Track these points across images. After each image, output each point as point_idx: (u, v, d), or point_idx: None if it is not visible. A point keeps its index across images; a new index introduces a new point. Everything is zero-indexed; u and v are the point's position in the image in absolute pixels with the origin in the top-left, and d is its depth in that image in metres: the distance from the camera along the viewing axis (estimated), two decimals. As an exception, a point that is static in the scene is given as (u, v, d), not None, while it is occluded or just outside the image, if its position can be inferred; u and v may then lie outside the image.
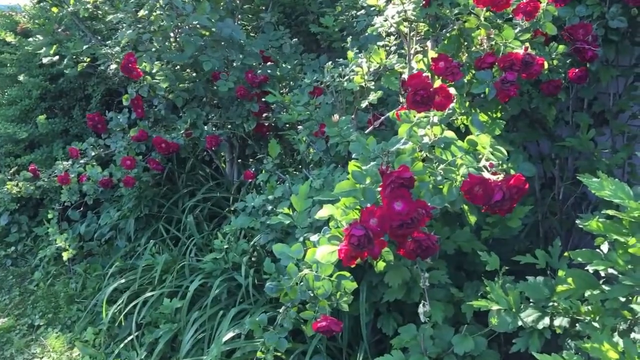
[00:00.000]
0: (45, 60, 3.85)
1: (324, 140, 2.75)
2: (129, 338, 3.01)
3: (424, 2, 2.22)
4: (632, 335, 1.57)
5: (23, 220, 4.46)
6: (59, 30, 3.86)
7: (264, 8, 3.85)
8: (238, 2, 3.67)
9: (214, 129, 3.56)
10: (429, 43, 2.43)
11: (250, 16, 3.94)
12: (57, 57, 3.83)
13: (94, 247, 3.96)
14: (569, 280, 1.74)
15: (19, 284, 4.00)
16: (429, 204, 1.81)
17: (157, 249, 3.50)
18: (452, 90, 2.01)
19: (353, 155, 1.97)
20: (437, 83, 1.99)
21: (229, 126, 3.58)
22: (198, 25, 3.24)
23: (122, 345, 3.01)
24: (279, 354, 2.18)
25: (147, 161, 3.66)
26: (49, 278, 3.93)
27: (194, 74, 3.51)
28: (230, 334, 2.54)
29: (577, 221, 1.71)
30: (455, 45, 2.29)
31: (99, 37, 3.91)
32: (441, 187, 1.88)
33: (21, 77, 4.37)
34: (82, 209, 4.01)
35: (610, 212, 1.54)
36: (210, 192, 3.77)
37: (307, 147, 2.85)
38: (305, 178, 2.71)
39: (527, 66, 2.08)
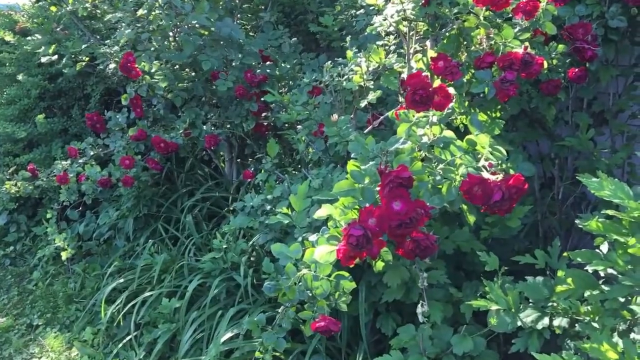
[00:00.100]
0: (44, 60, 3.84)
1: (323, 140, 2.74)
2: (128, 338, 3.01)
3: (423, 1, 2.22)
4: (632, 335, 1.56)
5: (22, 219, 4.45)
6: (58, 29, 3.85)
7: (263, 7, 3.84)
8: (237, 1, 3.66)
9: (212, 128, 3.55)
10: (428, 42, 2.43)
11: (249, 15, 3.93)
12: (56, 57, 3.82)
13: (92, 246, 3.96)
14: (569, 280, 1.73)
15: (18, 284, 4.00)
16: (427, 204, 1.80)
17: (156, 248, 3.49)
18: (451, 90, 2.00)
19: (352, 155, 1.96)
20: (437, 82, 1.99)
21: (228, 126, 3.57)
22: (197, 25, 3.23)
23: (120, 345, 3.00)
24: (277, 354, 2.17)
25: (146, 161, 3.65)
26: (48, 278, 3.92)
27: (193, 74, 3.51)
28: (228, 334, 2.54)
29: (577, 221, 1.70)
30: (455, 45, 2.28)
31: (98, 37, 3.90)
32: (440, 186, 1.88)
33: (20, 77, 4.37)
34: (80, 208, 4.00)
35: (610, 212, 1.53)
36: (209, 191, 3.76)
37: (306, 147, 2.84)
38: (304, 178, 2.70)
39: (527, 66, 2.08)
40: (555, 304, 1.78)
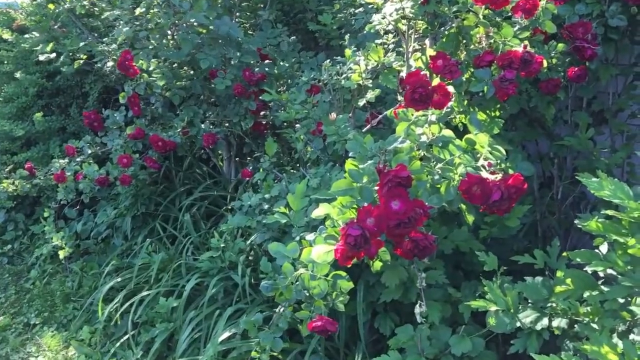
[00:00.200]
0: (42, 58, 3.82)
1: (322, 139, 2.73)
2: (125, 337, 3.00)
3: (422, -1, 2.21)
4: (631, 336, 1.55)
5: (19, 218, 4.44)
6: (56, 27, 3.83)
7: (262, 6, 3.82)
8: (236, -1, 3.65)
9: (211, 127, 3.54)
10: (427, 41, 2.42)
11: (248, 14, 3.91)
12: (54, 55, 3.80)
13: (90, 245, 3.95)
14: (568, 280, 1.72)
15: (15, 282, 3.98)
16: (426, 204, 1.79)
17: (154, 247, 3.48)
18: (450, 89, 1.99)
19: (350, 154, 1.95)
20: (436, 81, 1.97)
21: (226, 124, 3.56)
22: (195, 23, 3.21)
23: (118, 344, 2.99)
24: (275, 353, 2.16)
25: (144, 159, 3.64)
26: (45, 276, 3.91)
27: (191, 72, 3.50)
28: (226, 334, 2.53)
29: (576, 221, 1.69)
30: (454, 43, 2.27)
31: (96, 34, 3.89)
32: (439, 186, 1.87)
33: (18, 75, 4.34)
34: (78, 207, 3.99)
35: (610, 212, 1.53)
36: (208, 190, 3.75)
37: (305, 146, 2.83)
38: (302, 177, 2.69)
39: (526, 64, 2.07)
40: (554, 305, 1.77)
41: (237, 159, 3.79)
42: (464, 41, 2.26)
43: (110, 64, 3.55)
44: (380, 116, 2.57)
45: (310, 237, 1.93)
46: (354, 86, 2.58)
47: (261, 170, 2.98)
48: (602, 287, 1.64)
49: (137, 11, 3.30)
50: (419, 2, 2.22)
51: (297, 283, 1.90)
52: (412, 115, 1.96)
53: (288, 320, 2.03)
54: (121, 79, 3.82)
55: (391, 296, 2.18)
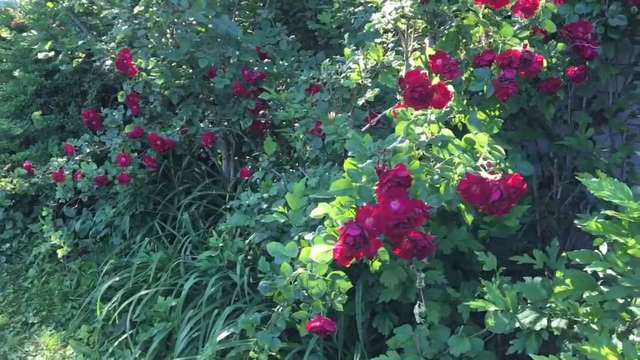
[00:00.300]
0: (40, 56, 3.81)
1: (321, 138, 2.72)
2: (123, 336, 3.00)
3: (421, -2, 2.20)
4: (631, 337, 1.55)
5: (18, 216, 4.43)
6: (54, 25, 3.82)
7: (261, 4, 3.81)
8: (235, -2, 3.64)
9: (210, 126, 3.53)
10: (426, 40, 2.41)
11: (247, 12, 3.91)
12: (52, 53, 3.79)
13: (89, 244, 3.94)
14: (567, 281, 1.72)
15: (13, 281, 3.97)
16: (425, 203, 1.78)
17: (152, 246, 3.47)
18: (449, 88, 1.98)
19: (349, 153, 1.94)
20: (435, 80, 1.97)
21: (225, 123, 3.55)
22: (194, 22, 3.21)
23: (116, 343, 2.99)
24: (273, 353, 2.15)
25: (143, 158, 3.63)
26: (44, 275, 3.90)
27: (190, 71, 3.49)
28: (224, 333, 2.52)
29: (576, 221, 1.69)
30: (453, 43, 2.26)
31: (95, 33, 3.88)
32: (438, 186, 1.86)
33: (16, 73, 4.33)
34: (77, 206, 3.98)
35: (610, 212, 1.52)
36: (207, 189, 3.74)
37: (304, 145, 2.83)
38: (301, 176, 2.68)
39: (526, 64, 2.06)
40: (553, 305, 1.77)
41: (236, 158, 3.79)
42: (464, 40, 2.26)
43: (108, 62, 3.54)
44: (380, 115, 2.56)
45: (309, 236, 1.93)
46: (353, 85, 2.57)
47: (260, 169, 2.97)
48: (602, 287, 1.64)
49: (136, 10, 3.29)
50: (419, 1, 2.21)
51: (296, 283, 1.89)
52: (412, 114, 1.95)
53: (286, 320, 2.02)
54: (120, 78, 3.81)
55: (390, 296, 2.17)
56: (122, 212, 3.82)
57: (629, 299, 1.59)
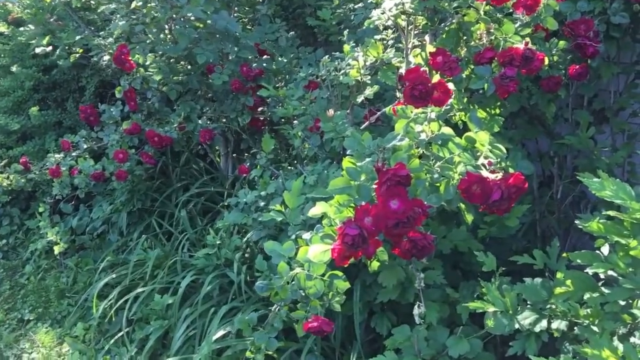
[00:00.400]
0: (38, 50, 3.78)
1: (319, 136, 2.70)
2: (120, 334, 2.97)
3: (422, -6, 2.18)
4: (632, 339, 1.53)
5: (15, 212, 4.40)
6: (51, 20, 3.79)
7: (260, 0, 3.79)
8: (234, -7, 3.62)
9: (208, 122, 3.51)
10: (427, 37, 2.39)
11: (246, 8, 3.88)
12: (50, 48, 3.76)
13: (85, 241, 3.91)
14: (568, 282, 1.70)
15: (10, 278, 3.95)
16: (425, 203, 1.76)
17: (150, 243, 3.45)
18: (450, 86, 1.96)
19: (348, 151, 1.92)
20: (435, 78, 1.95)
21: (224, 120, 3.53)
22: (192, 17, 3.18)
23: (112, 341, 2.96)
24: (270, 352, 2.14)
25: (140, 155, 3.60)
26: (40, 272, 3.87)
27: (189, 67, 3.46)
28: (221, 332, 2.50)
29: (577, 221, 1.67)
30: (454, 40, 2.24)
31: (93, 28, 3.85)
32: (438, 185, 1.84)
33: (14, 68, 4.31)
34: (74, 202, 3.96)
35: (612, 213, 1.50)
36: (205, 186, 3.72)
37: (302, 142, 2.80)
38: (299, 174, 2.66)
39: (527, 62, 2.04)
40: (553, 306, 1.75)
41: (234, 155, 3.76)
42: (465, 37, 2.23)
43: (106, 57, 3.51)
44: (379, 113, 2.54)
45: (306, 236, 1.91)
46: (352, 82, 2.55)
47: (258, 166, 2.95)
48: (603, 289, 1.62)
49: (134, 4, 3.26)
50: (419, -3, 2.19)
51: (293, 283, 1.87)
52: (412, 112, 1.93)
53: (283, 319, 2.00)
54: (118, 74, 3.78)
55: (388, 296, 2.15)
56: (119, 209, 3.79)
57: (630, 301, 1.57)
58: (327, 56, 2.70)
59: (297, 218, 2.24)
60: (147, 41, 3.35)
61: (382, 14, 2.32)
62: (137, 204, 3.76)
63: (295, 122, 2.84)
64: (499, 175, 1.75)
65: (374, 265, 2.06)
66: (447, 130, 1.91)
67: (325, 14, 3.37)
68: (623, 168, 2.66)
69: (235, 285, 2.71)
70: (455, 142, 1.88)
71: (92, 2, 3.80)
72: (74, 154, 3.66)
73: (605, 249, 1.66)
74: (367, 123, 2.57)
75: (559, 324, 1.73)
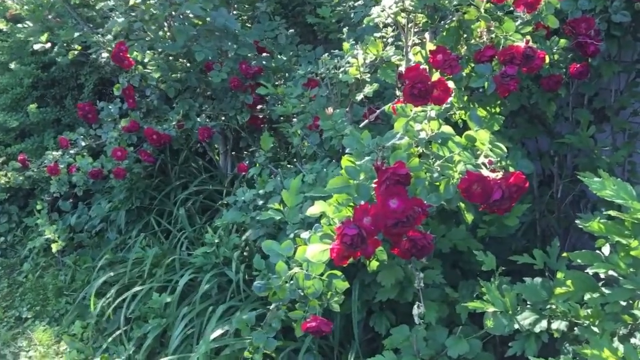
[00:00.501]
0: (36, 47, 3.77)
1: (318, 134, 2.69)
2: (118, 332, 2.97)
3: (422, -8, 2.16)
4: (633, 340, 1.52)
5: (13, 210, 4.39)
6: (50, 17, 3.77)
7: (260, -3, 3.78)
8: (233, -9, 3.60)
9: (207, 120, 3.49)
10: (427, 35, 2.37)
11: (245, 6, 3.86)
12: (48, 45, 3.75)
13: (84, 238, 3.90)
14: (568, 282, 1.69)
15: (8, 275, 3.94)
16: (425, 202, 1.75)
17: (148, 242, 3.44)
18: (450, 84, 1.95)
19: (347, 150, 1.91)
20: (435, 76, 1.93)
21: (223, 118, 3.51)
22: (191, 15, 3.16)
23: (110, 339, 2.96)
24: (268, 352, 2.13)
25: (139, 152, 3.59)
26: (38, 270, 3.86)
27: (187, 64, 3.45)
28: (219, 331, 2.49)
29: (577, 221, 1.66)
30: (454, 38, 2.23)
31: (91, 25, 3.83)
32: (438, 184, 1.83)
33: (12, 65, 4.29)
34: (72, 200, 3.94)
35: (613, 212, 1.49)
36: (203, 184, 3.71)
37: (301, 141, 2.79)
38: (298, 172, 2.65)
39: (528, 60, 2.03)
40: (553, 307, 1.74)
41: (233, 153, 3.75)
42: (465, 35, 2.22)
43: (105, 55, 3.49)
44: (378, 111, 2.53)
45: (305, 235, 1.89)
46: (351, 80, 2.53)
47: (257, 165, 2.94)
48: (604, 289, 1.61)
49: (132, 1, 3.24)
50: (419, -5, 2.18)
51: (291, 282, 1.86)
52: (411, 110, 1.92)
53: (282, 319, 1.99)
54: (117, 71, 3.76)
55: (387, 295, 2.14)
56: (118, 207, 3.78)
57: (631, 302, 1.56)
58: (326, 54, 2.69)
59: (296, 217, 2.23)
60: (146, 38, 3.33)
61: (382, 11, 2.31)
62: (135, 202, 3.74)
63: (294, 120, 2.83)
64: (500, 175, 1.74)
65: (373, 264, 2.05)
66: (447, 128, 1.90)
67: (324, 11, 3.36)
68: (624, 167, 2.65)
69: (233, 284, 2.71)
70: (455, 140, 1.87)
71: (91, -2, 3.78)
72: (72, 151, 3.64)
73: (605, 249, 1.64)
74: (366, 121, 2.55)
75: (559, 325, 1.72)
